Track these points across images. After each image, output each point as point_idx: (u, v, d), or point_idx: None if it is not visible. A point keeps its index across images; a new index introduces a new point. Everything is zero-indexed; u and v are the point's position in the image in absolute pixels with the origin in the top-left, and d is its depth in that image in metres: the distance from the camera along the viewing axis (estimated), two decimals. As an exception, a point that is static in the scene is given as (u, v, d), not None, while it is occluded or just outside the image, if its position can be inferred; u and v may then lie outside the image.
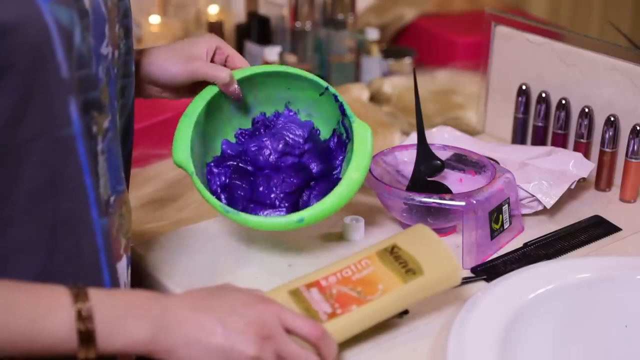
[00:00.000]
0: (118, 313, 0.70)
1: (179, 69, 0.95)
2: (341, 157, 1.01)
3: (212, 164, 1.00)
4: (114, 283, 0.80)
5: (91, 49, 0.75)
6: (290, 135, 1.03)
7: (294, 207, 0.99)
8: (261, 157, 1.02)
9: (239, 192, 0.99)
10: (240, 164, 1.01)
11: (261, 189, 0.99)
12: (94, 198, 0.76)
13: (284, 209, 0.99)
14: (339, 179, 0.99)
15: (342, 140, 1.02)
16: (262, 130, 1.03)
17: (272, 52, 1.59)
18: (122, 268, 0.84)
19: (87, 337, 0.68)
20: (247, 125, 1.03)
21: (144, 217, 1.20)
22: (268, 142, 1.03)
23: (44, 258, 0.74)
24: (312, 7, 1.70)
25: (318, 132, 1.04)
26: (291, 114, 1.04)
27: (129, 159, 0.92)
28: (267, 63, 1.58)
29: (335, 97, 0.99)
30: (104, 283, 0.78)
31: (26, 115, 0.70)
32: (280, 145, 1.03)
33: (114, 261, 0.80)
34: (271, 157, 1.02)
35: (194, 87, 0.99)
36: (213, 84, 0.97)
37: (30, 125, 0.70)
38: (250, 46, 1.65)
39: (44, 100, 0.70)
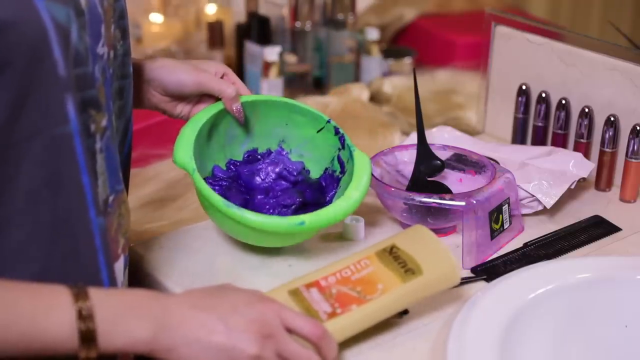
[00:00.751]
0: (119, 312, 0.70)
1: (188, 77, 0.97)
2: (332, 193, 1.02)
3: (206, 178, 1.00)
4: (112, 283, 0.79)
5: (88, 47, 0.75)
6: (285, 165, 1.04)
7: None
8: (257, 178, 1.03)
9: (235, 202, 0.98)
10: (233, 185, 1.02)
11: (258, 198, 1.00)
12: (92, 197, 0.75)
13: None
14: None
15: (335, 177, 1.03)
16: (252, 163, 1.04)
17: (272, 52, 1.59)
18: (120, 268, 0.84)
19: (87, 336, 0.68)
20: (238, 157, 1.04)
21: (144, 217, 1.20)
22: (264, 165, 1.04)
23: (42, 258, 0.74)
24: (312, 7, 1.70)
25: (308, 172, 1.05)
26: (283, 153, 1.05)
27: (128, 160, 0.92)
28: (267, 63, 1.58)
29: (337, 129, 1.01)
30: (102, 283, 0.78)
31: (23, 113, 0.70)
32: (278, 169, 1.04)
33: (112, 261, 0.80)
34: (268, 177, 1.03)
35: (197, 102, 1.00)
36: (218, 99, 0.98)
37: (27, 123, 0.70)
38: (250, 46, 1.65)
39: (41, 98, 0.70)
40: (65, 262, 0.75)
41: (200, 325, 0.72)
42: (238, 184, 1.02)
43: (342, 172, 1.02)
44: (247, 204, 0.99)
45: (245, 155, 1.05)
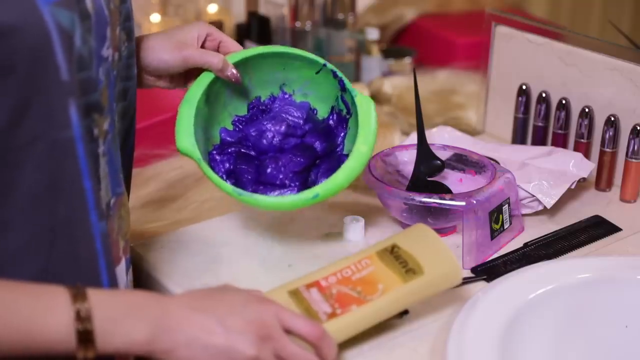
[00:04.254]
0: (117, 313, 0.70)
1: (171, 56, 0.95)
2: (342, 134, 1.01)
3: (214, 151, 0.99)
4: (112, 287, 0.79)
5: (92, 51, 0.75)
6: (290, 117, 1.03)
7: (304, 186, 0.98)
8: (264, 141, 1.01)
9: (245, 175, 0.98)
10: (242, 150, 1.01)
11: (269, 170, 0.98)
12: (93, 202, 0.75)
13: (295, 188, 0.98)
14: (343, 156, 0.99)
15: (342, 117, 1.01)
16: (259, 116, 1.03)
17: (272, 52, 1.59)
18: (121, 271, 0.84)
19: (85, 337, 0.68)
20: (243, 111, 1.02)
21: (144, 217, 1.19)
22: (269, 125, 1.02)
23: (43, 261, 0.74)
24: (312, 7, 1.70)
25: (315, 112, 1.03)
26: (286, 96, 1.03)
27: (130, 161, 0.92)
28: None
29: (334, 72, 0.99)
30: (102, 287, 0.78)
31: (26, 118, 0.70)
32: (283, 128, 1.02)
33: (113, 265, 0.80)
34: (275, 139, 1.01)
35: (188, 74, 0.99)
36: (207, 70, 0.97)
37: (29, 127, 0.70)
38: (250, 46, 1.65)
39: (44, 102, 0.70)
40: (65, 266, 0.75)
41: (198, 327, 0.72)
42: (247, 147, 1.01)
43: (349, 113, 1.00)
44: (259, 174, 0.98)
45: (250, 107, 1.03)
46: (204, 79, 0.96)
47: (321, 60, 0.99)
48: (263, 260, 1.00)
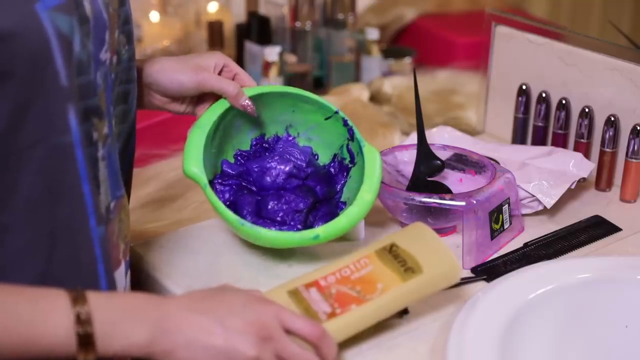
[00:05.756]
0: (117, 316, 0.70)
1: (188, 78, 0.95)
2: (342, 182, 1.02)
3: (216, 180, 0.99)
4: (111, 290, 0.79)
5: (90, 55, 0.75)
6: (295, 160, 1.03)
7: (303, 227, 0.99)
8: (268, 178, 1.02)
9: (246, 208, 0.98)
10: (243, 184, 1.01)
11: (270, 205, 0.99)
12: (92, 206, 0.75)
13: (294, 227, 0.98)
14: (341, 203, 1.01)
15: (344, 166, 1.02)
16: (261, 153, 1.03)
17: (272, 52, 1.59)
18: (121, 275, 0.84)
19: (86, 340, 0.68)
20: (245, 146, 1.03)
21: (144, 217, 1.20)
22: (274, 163, 1.03)
23: (41, 266, 0.74)
24: (312, 7, 1.70)
25: (317, 157, 1.04)
26: (290, 138, 1.04)
27: (130, 164, 0.92)
28: (267, 63, 1.58)
29: (345, 121, 1.00)
30: (101, 290, 0.78)
31: (25, 123, 0.70)
32: (288, 168, 1.03)
33: (112, 269, 0.80)
34: (279, 178, 1.02)
35: (199, 100, 0.99)
36: (220, 97, 0.97)
37: (29, 132, 0.70)
38: (250, 46, 1.65)
39: (43, 107, 0.70)
40: (64, 270, 0.75)
41: (198, 328, 0.72)
42: (248, 181, 1.01)
43: (352, 162, 1.01)
44: (259, 209, 0.98)
45: (253, 143, 1.03)
46: (218, 108, 0.97)
47: (333, 108, 1.00)
48: (263, 261, 1.00)
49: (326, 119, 1.01)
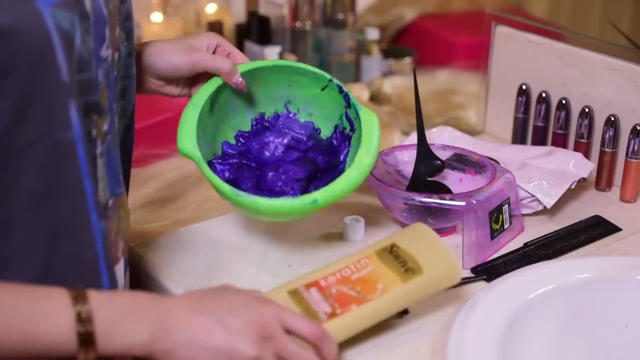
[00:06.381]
0: (118, 315, 0.70)
1: (181, 59, 0.95)
2: (345, 152, 1.01)
3: (215, 160, 0.99)
4: (113, 287, 0.79)
5: (91, 52, 0.75)
6: (293, 133, 1.03)
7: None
8: (267, 152, 1.01)
9: (246, 182, 0.97)
10: (243, 161, 1.00)
11: (269, 176, 0.98)
12: (93, 202, 0.75)
13: (294, 196, 0.97)
14: (343, 172, 0.99)
15: (345, 135, 1.01)
16: (262, 132, 1.03)
17: (272, 52, 1.59)
18: (120, 271, 0.84)
19: (86, 339, 0.68)
20: (246, 126, 1.02)
21: (144, 217, 1.20)
22: (272, 137, 1.02)
23: (43, 262, 0.74)
24: (312, 7, 1.70)
25: (319, 131, 1.03)
26: (291, 115, 1.03)
27: (129, 161, 0.92)
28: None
29: (340, 87, 0.99)
30: (102, 287, 0.78)
31: (26, 119, 0.70)
32: (286, 140, 1.02)
33: (113, 265, 0.80)
34: (277, 151, 1.01)
35: (194, 81, 0.99)
36: (215, 76, 0.97)
37: (30, 129, 0.70)
38: (250, 46, 1.65)
39: (44, 104, 0.70)
40: (66, 267, 0.75)
41: (199, 328, 0.72)
42: (248, 158, 1.01)
43: (352, 129, 1.00)
44: (259, 182, 0.98)
45: (254, 123, 1.03)
46: (211, 85, 0.96)
47: (327, 76, 1.00)
48: (263, 261, 1.00)
49: (322, 89, 1.00)
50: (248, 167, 0.99)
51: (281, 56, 1.60)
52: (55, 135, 0.71)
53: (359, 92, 1.56)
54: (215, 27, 1.75)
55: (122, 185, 0.83)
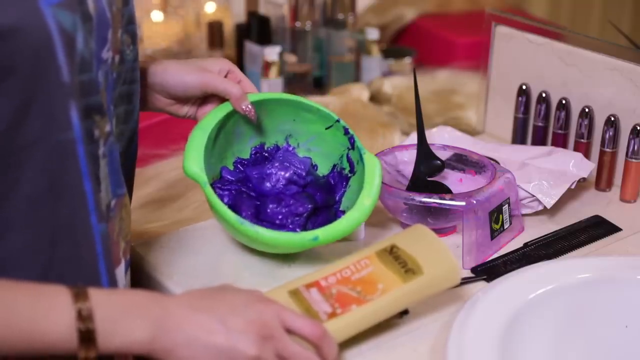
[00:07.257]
0: (118, 313, 0.70)
1: (193, 78, 0.95)
2: (342, 192, 1.02)
3: (215, 185, 0.99)
4: (112, 288, 0.79)
5: (93, 53, 0.75)
6: (294, 167, 1.04)
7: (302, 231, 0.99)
8: (268, 184, 1.02)
9: (246, 211, 0.98)
10: (242, 189, 1.01)
11: (270, 208, 0.99)
12: (94, 203, 0.75)
13: (294, 230, 0.98)
14: (340, 212, 1.01)
15: (344, 175, 1.02)
16: (261, 162, 1.04)
17: (272, 52, 1.59)
18: (121, 272, 0.84)
19: (87, 336, 0.68)
20: (245, 154, 1.03)
21: (144, 217, 1.20)
22: (274, 169, 1.03)
23: (43, 263, 0.74)
24: (312, 7, 1.70)
25: (316, 168, 1.05)
26: (290, 148, 1.04)
27: (133, 164, 0.92)
28: (267, 63, 1.58)
29: (346, 129, 1.00)
30: (102, 287, 0.78)
31: (27, 119, 0.70)
32: (288, 174, 1.03)
33: (113, 267, 0.80)
34: (278, 184, 1.02)
35: (202, 103, 0.99)
36: (224, 100, 0.97)
37: (30, 129, 0.70)
38: (250, 46, 1.65)
39: (45, 104, 0.70)
40: (65, 268, 0.75)
41: (199, 326, 0.72)
42: (247, 187, 1.02)
43: (352, 171, 1.01)
44: (258, 212, 0.99)
45: (253, 152, 1.03)
46: (220, 111, 0.97)
47: (335, 116, 1.01)
48: (263, 261, 1.00)
49: (327, 128, 1.02)
50: (247, 195, 1.00)
51: (281, 56, 1.60)
52: (55, 135, 0.71)
53: (359, 92, 1.56)
54: (215, 27, 1.75)
55: (123, 186, 0.83)
